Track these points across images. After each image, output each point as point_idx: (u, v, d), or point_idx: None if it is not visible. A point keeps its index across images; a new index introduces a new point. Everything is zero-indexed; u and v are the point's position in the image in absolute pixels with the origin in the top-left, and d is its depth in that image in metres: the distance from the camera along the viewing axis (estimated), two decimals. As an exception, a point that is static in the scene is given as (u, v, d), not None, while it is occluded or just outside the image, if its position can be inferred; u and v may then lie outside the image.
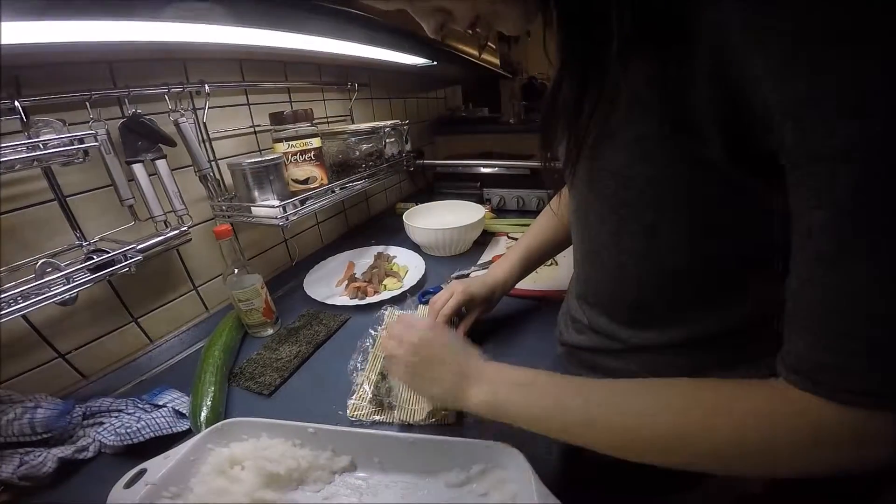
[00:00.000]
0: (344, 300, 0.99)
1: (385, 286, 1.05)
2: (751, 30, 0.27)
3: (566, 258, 1.09)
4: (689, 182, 0.38)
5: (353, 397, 0.69)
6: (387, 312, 0.90)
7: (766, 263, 0.41)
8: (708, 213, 0.39)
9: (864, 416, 0.30)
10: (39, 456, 0.57)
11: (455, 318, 0.80)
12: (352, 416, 0.66)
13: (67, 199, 0.70)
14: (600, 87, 0.39)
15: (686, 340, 0.48)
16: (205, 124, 0.93)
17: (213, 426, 0.58)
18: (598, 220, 0.48)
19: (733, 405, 0.36)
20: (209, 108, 0.92)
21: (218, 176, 0.97)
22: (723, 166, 0.35)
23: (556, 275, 1.04)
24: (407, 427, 0.63)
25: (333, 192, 1.04)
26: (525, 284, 0.95)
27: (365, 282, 1.05)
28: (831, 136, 0.26)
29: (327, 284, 1.10)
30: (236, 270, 0.83)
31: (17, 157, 0.59)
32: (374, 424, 0.64)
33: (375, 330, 0.85)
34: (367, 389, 0.69)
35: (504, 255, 0.88)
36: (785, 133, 0.28)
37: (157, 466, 0.51)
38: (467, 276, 1.07)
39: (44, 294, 0.61)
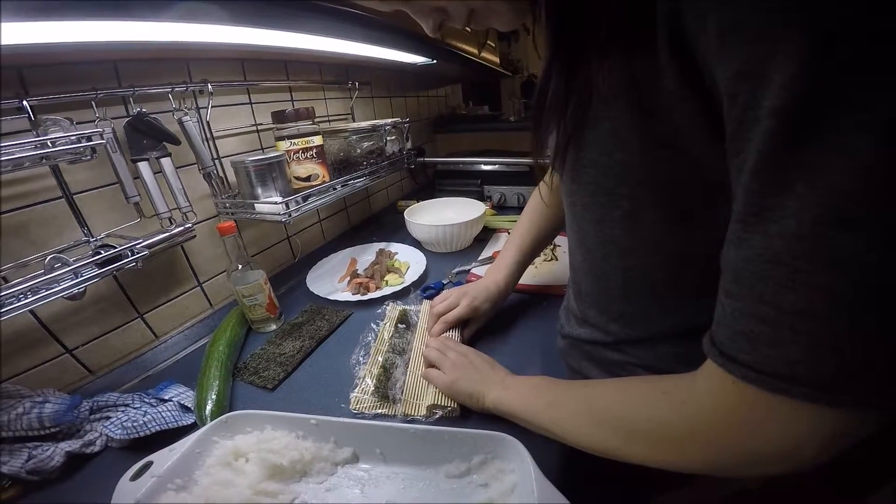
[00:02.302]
0: (346, 296, 1.00)
1: (387, 282, 1.06)
2: (695, 12, 0.28)
3: (566, 253, 1.10)
4: (663, 168, 0.39)
5: (356, 391, 0.69)
6: (388, 308, 0.91)
7: None
8: (684, 200, 0.40)
9: (765, 399, 0.30)
10: (47, 450, 0.58)
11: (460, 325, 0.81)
12: (354, 409, 0.66)
13: (74, 196, 0.71)
14: (584, 79, 0.40)
15: (673, 332, 0.49)
16: (208, 123, 0.94)
17: (217, 419, 0.59)
18: (583, 210, 0.49)
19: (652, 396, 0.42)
20: (212, 107, 0.93)
21: (221, 174, 0.98)
22: (697, 150, 0.35)
23: (555, 269, 1.05)
24: (409, 420, 0.64)
25: (335, 189, 1.05)
26: (525, 280, 0.96)
27: (367, 278, 1.06)
28: (758, 107, 0.26)
29: (330, 280, 1.11)
30: (240, 266, 0.84)
31: (26, 154, 0.60)
32: (376, 417, 0.65)
33: (377, 325, 0.85)
34: (370, 383, 0.69)
35: (499, 257, 0.90)
36: (724, 105, 0.29)
37: (163, 459, 0.52)
38: (468, 272, 1.08)
39: (53, 289, 0.62)
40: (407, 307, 0.91)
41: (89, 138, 0.65)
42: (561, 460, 0.55)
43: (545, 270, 1.05)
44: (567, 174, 0.48)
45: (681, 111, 0.34)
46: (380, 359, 0.75)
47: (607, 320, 0.55)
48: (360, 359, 0.76)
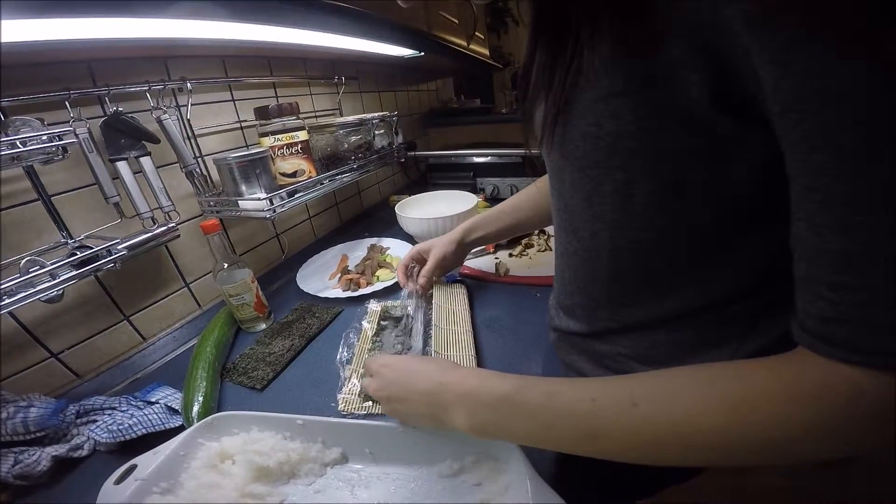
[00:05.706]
0: (337, 293, 0.99)
1: (378, 277, 1.04)
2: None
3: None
4: (658, 137, 0.37)
5: (343, 391, 0.68)
6: (370, 306, 0.90)
7: (744, 231, 0.40)
8: (679, 171, 0.38)
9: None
10: (34, 455, 0.58)
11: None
12: (343, 411, 0.65)
13: (52, 198, 0.70)
14: (572, 49, 0.38)
15: (665, 316, 0.47)
16: (189, 121, 0.92)
17: (202, 421, 0.57)
18: (572, 187, 0.47)
19: (754, 390, 0.33)
20: (193, 104, 0.92)
21: (204, 172, 0.96)
22: (699, 116, 0.34)
23: (551, 260, 1.04)
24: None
25: (322, 184, 1.03)
26: (520, 271, 0.95)
27: (358, 273, 1.05)
28: (824, 77, 0.25)
29: (320, 278, 1.10)
30: (226, 265, 0.83)
31: (-4, 155, 0.59)
32: (366, 417, 0.64)
33: (360, 323, 0.84)
34: (356, 382, 0.68)
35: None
36: (770, 77, 0.28)
37: (147, 462, 0.51)
38: (461, 264, 1.06)
39: (28, 291, 0.61)
40: (390, 303, 0.90)
41: (60, 137, 0.64)
42: (556, 458, 0.54)
43: (540, 261, 1.04)
44: (555, 150, 0.46)
45: (685, 80, 0.32)
46: (364, 359, 0.74)
47: (595, 306, 0.53)
48: (345, 358, 0.75)
